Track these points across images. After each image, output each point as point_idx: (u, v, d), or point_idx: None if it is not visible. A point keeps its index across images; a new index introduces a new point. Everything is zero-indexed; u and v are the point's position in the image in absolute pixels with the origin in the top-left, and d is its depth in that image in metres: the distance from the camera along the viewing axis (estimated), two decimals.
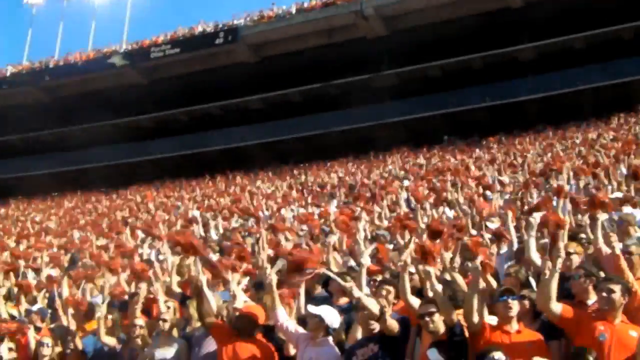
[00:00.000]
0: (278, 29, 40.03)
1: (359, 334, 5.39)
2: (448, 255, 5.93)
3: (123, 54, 44.64)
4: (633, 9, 32.66)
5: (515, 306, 4.98)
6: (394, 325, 5.06)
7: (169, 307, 6.76)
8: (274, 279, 5.72)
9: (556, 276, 4.81)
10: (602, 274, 5.34)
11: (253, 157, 39.83)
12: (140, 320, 6.72)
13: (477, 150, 27.00)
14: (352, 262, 7.89)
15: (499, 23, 34.80)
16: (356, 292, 5.20)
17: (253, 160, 38.78)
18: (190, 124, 43.60)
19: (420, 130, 35.59)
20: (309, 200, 17.92)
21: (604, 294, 4.79)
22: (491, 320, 5.07)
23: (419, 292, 5.91)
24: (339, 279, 5.83)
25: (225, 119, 42.45)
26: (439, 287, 5.20)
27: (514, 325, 4.96)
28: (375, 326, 5.11)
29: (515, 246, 7.36)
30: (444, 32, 35.53)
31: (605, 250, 5.83)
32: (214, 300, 6.29)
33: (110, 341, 6.84)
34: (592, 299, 5.11)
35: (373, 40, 38.36)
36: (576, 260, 5.98)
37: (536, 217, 6.69)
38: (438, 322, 4.94)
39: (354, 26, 38.22)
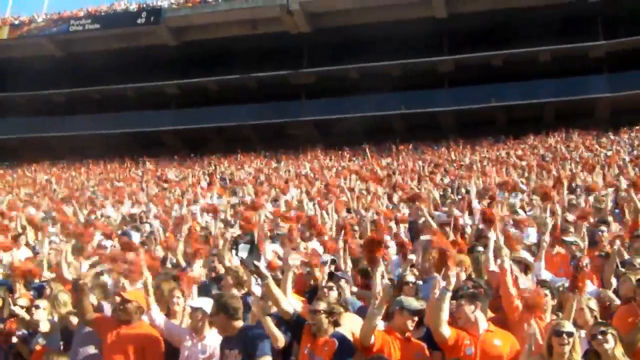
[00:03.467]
0: (202, 14, 37.61)
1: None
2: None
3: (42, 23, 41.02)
4: (551, 32, 32.33)
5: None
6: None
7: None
8: (149, 279, 5.58)
9: (448, 297, 4.62)
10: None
11: (164, 142, 37.85)
12: (23, 301, 6.41)
13: (388, 157, 25.81)
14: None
15: (422, 32, 33.01)
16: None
17: (164, 146, 36.95)
18: (104, 103, 40.23)
19: (334, 131, 34.00)
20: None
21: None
22: (379, 325, 4.94)
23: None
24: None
25: (139, 102, 39.53)
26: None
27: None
28: None
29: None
30: (367, 35, 34.06)
31: (493, 267, 5.91)
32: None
33: None
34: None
35: (296, 36, 36.52)
36: (462, 275, 5.95)
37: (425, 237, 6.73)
38: (322, 322, 4.76)
39: (279, 20, 36.09)
